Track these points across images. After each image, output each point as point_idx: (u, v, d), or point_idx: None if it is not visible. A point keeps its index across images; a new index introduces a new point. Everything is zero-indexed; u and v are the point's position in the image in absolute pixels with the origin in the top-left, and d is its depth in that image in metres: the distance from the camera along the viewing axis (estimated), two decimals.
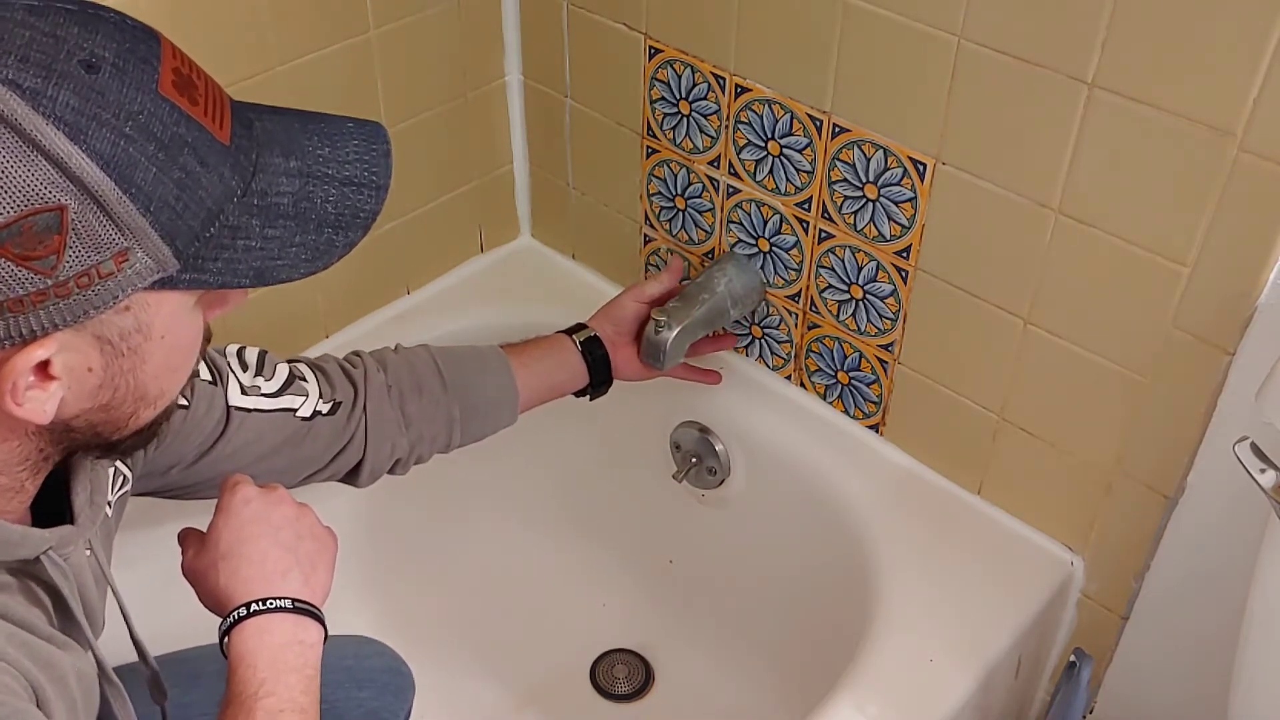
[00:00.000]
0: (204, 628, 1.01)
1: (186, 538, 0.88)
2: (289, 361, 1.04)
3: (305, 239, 0.67)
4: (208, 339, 0.74)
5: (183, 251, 0.62)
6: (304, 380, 1.03)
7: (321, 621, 0.83)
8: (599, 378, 1.26)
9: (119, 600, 0.83)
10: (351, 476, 1.10)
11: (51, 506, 0.74)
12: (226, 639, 0.80)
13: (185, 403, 0.89)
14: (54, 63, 0.57)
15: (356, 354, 1.10)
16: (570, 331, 1.26)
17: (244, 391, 0.99)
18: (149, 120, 0.59)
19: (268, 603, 0.81)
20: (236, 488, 0.87)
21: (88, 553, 0.79)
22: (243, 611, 0.80)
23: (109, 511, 0.83)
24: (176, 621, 1.10)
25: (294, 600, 0.82)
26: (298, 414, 1.01)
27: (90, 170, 0.57)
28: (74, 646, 0.75)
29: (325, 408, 1.03)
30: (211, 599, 0.84)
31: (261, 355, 1.02)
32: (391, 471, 1.11)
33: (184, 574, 0.86)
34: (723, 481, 1.47)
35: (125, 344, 0.63)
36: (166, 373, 0.68)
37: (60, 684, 0.71)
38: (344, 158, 0.69)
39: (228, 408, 0.97)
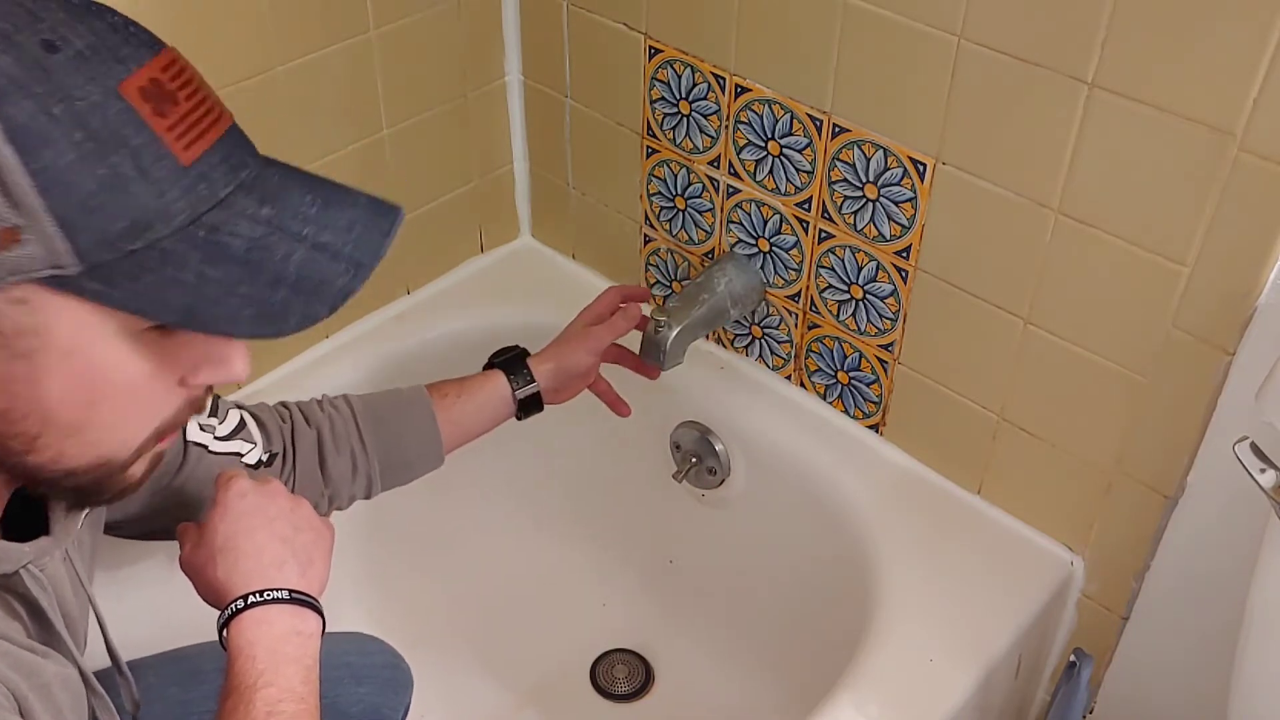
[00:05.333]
0: (185, 632, 1.02)
1: (184, 532, 0.88)
2: (236, 406, 1.03)
3: (254, 292, 0.61)
4: (196, 409, 0.69)
5: (85, 254, 0.57)
6: (249, 428, 1.01)
7: (319, 612, 0.83)
8: (525, 415, 1.20)
9: (95, 608, 0.83)
10: None
11: (29, 518, 0.73)
12: (225, 631, 0.80)
13: (138, 474, 0.72)
14: (15, 33, 0.56)
15: (285, 405, 1.08)
16: (510, 368, 1.18)
17: (201, 428, 0.97)
18: (89, 110, 0.57)
19: (265, 594, 0.81)
20: (231, 482, 0.86)
21: (66, 562, 0.78)
22: (240, 604, 0.80)
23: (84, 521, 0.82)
24: (160, 626, 1.11)
25: (291, 591, 0.82)
26: (244, 459, 0.99)
27: None
28: (55, 656, 0.74)
29: (265, 457, 1.01)
30: (210, 592, 0.84)
31: (215, 397, 1.00)
32: None
33: (182, 568, 0.86)
34: (723, 481, 1.47)
35: (20, 343, 0.59)
36: (84, 405, 0.62)
37: (43, 691, 0.70)
38: (331, 223, 0.64)
39: (185, 441, 0.96)
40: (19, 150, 0.55)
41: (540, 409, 1.19)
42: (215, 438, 0.98)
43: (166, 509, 0.96)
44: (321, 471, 1.05)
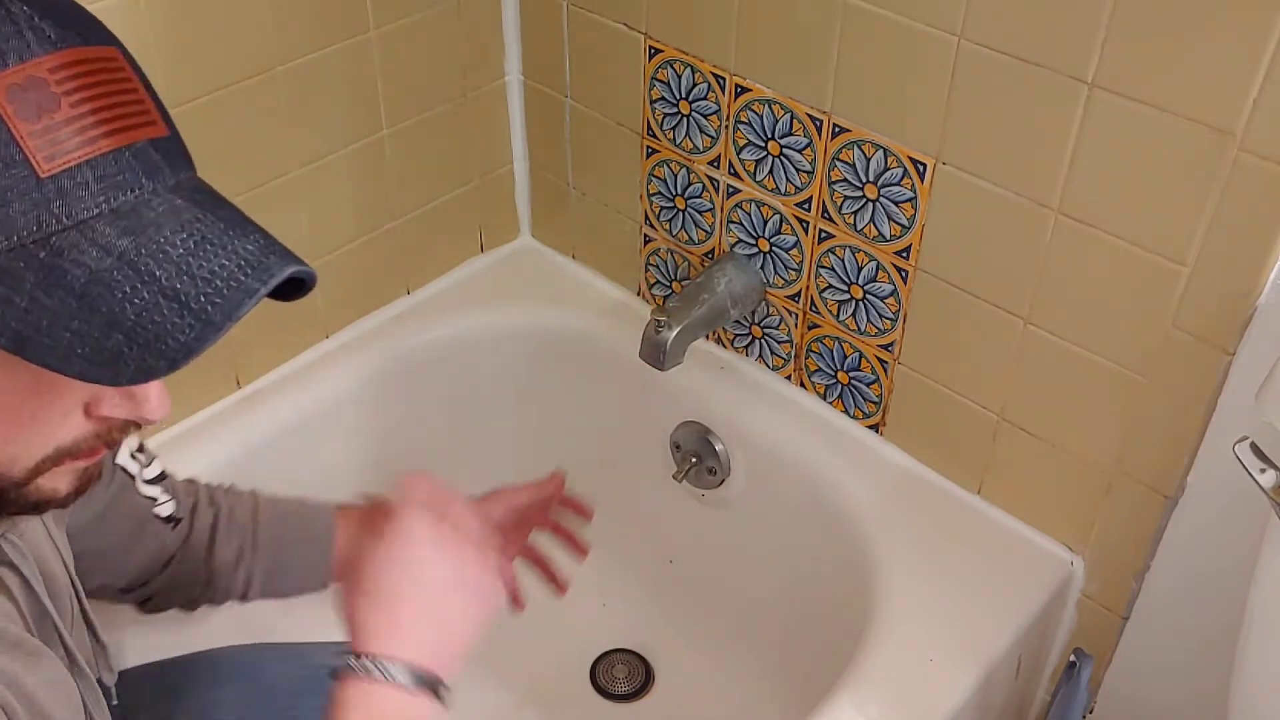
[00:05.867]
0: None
1: (354, 553, 0.85)
2: (159, 459, 1.00)
3: (86, 330, 0.54)
4: (108, 443, 0.65)
5: None
6: (170, 482, 0.99)
7: (440, 696, 0.78)
8: None
9: (70, 573, 0.81)
10: (139, 599, 1.03)
11: None
12: (335, 671, 0.78)
13: (60, 490, 0.68)
14: None
15: (192, 481, 1.05)
16: None
17: (132, 456, 0.94)
18: None
19: (386, 670, 0.76)
20: (404, 517, 0.81)
21: (47, 538, 0.78)
22: (358, 666, 0.77)
23: None
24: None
25: (414, 674, 0.77)
26: (156, 508, 0.96)
27: None
28: (45, 654, 0.73)
29: (177, 515, 0.99)
30: (344, 620, 0.81)
31: (141, 442, 0.98)
32: (158, 609, 1.04)
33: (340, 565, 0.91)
34: (723, 481, 1.47)
35: None
36: None
37: (28, 701, 0.68)
38: (193, 269, 0.55)
39: (115, 465, 0.94)
40: None
41: None
42: (143, 480, 0.96)
43: (87, 531, 0.92)
44: (207, 554, 1.01)
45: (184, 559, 1.00)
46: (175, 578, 1.00)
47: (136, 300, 0.55)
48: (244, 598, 1.04)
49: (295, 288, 0.60)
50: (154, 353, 0.55)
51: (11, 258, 0.54)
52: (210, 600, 0.96)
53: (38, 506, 0.65)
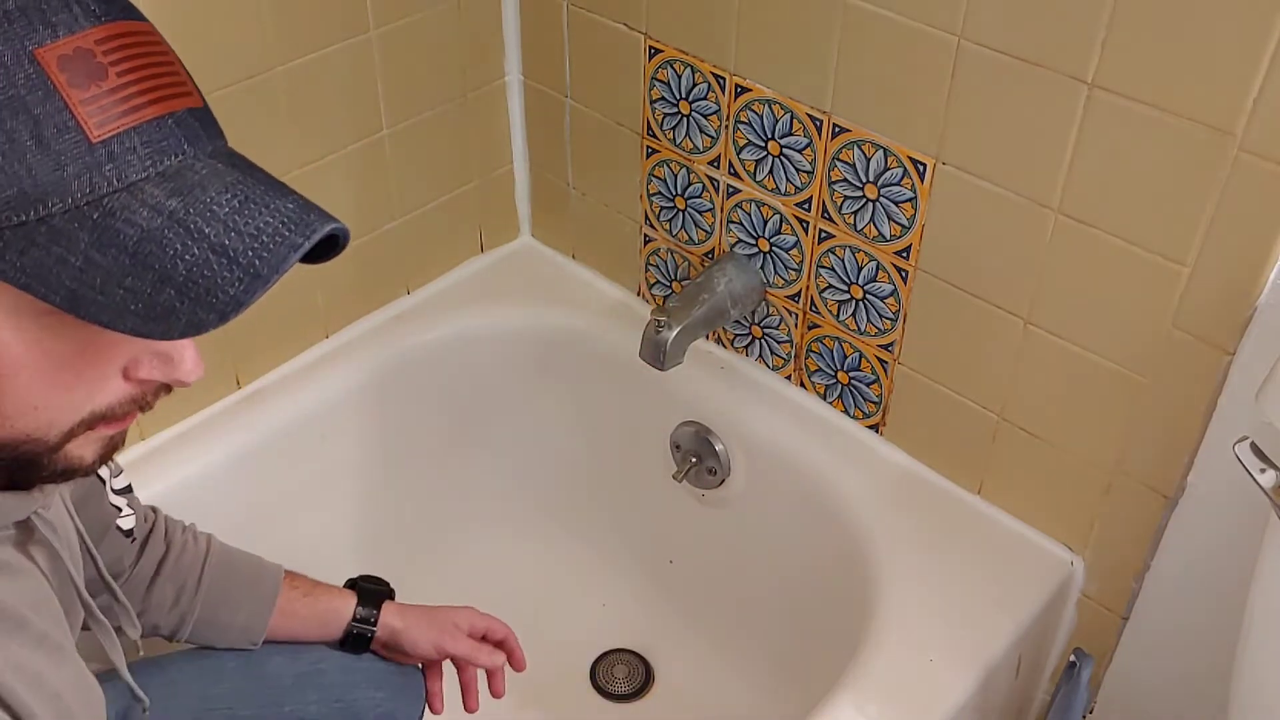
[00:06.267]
0: None
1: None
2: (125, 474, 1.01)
3: (139, 287, 0.57)
4: (142, 406, 0.67)
5: None
6: (134, 497, 1.00)
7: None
8: (345, 646, 1.13)
9: (84, 539, 0.84)
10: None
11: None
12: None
13: (87, 458, 0.70)
14: None
15: (155, 510, 1.06)
16: (365, 601, 1.11)
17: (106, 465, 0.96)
18: None
19: None
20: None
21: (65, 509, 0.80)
22: None
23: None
24: None
25: None
26: (120, 519, 0.97)
27: None
28: (67, 649, 0.74)
29: (135, 531, 1.00)
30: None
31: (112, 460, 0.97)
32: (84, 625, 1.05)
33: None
34: (723, 481, 1.47)
35: None
36: None
37: (53, 701, 0.70)
38: (240, 226, 0.58)
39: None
40: None
41: (366, 649, 1.12)
42: (111, 488, 0.97)
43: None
44: (148, 587, 1.03)
45: (126, 584, 1.01)
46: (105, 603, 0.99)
47: (187, 256, 0.57)
48: (171, 638, 1.06)
49: (328, 248, 0.63)
50: (205, 306, 0.57)
51: (67, 219, 0.56)
52: (138, 632, 0.97)
53: (65, 474, 0.67)
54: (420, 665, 1.17)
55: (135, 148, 0.58)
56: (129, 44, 0.59)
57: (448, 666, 1.16)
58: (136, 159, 0.58)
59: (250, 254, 0.58)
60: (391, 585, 1.15)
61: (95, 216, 0.57)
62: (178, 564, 1.04)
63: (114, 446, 0.70)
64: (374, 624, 1.10)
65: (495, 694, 1.19)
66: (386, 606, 1.11)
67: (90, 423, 0.65)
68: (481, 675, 1.18)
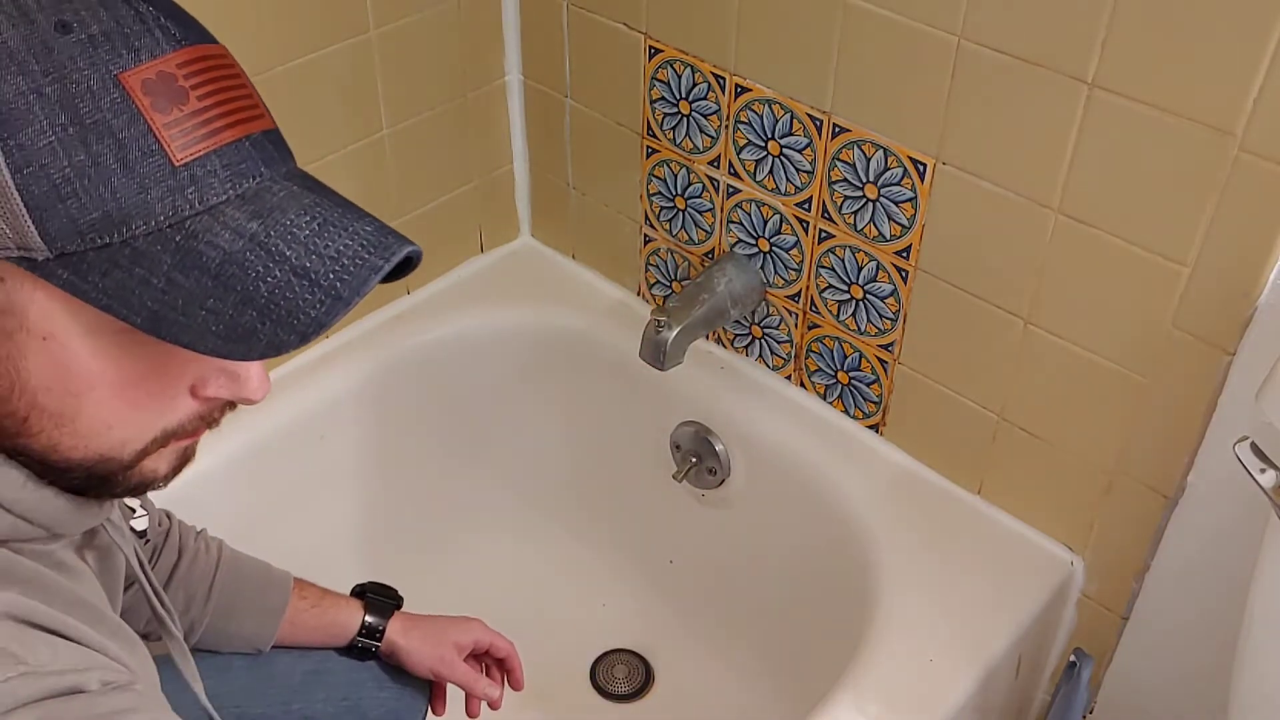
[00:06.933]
0: None
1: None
2: None
3: (221, 309, 0.58)
4: (209, 423, 0.68)
5: (53, 240, 0.56)
6: (147, 501, 1.00)
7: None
8: (349, 654, 1.13)
9: (137, 548, 0.85)
10: None
11: None
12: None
13: (161, 471, 0.71)
14: (37, 10, 0.56)
15: (169, 515, 1.06)
16: (374, 611, 1.12)
17: None
18: (80, 94, 0.56)
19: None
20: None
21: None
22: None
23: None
24: None
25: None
26: (133, 520, 0.96)
27: None
28: (136, 640, 0.75)
29: (147, 533, 1.00)
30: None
31: None
32: None
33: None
34: (723, 481, 1.47)
35: (1, 321, 0.59)
36: (66, 394, 0.61)
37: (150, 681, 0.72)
38: (320, 249, 0.59)
39: None
40: None
41: (371, 658, 1.12)
42: None
43: None
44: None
45: (138, 590, 1.01)
46: (125, 604, 1.00)
47: (269, 279, 0.58)
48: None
49: (403, 267, 0.64)
50: (286, 327, 0.58)
51: (149, 241, 0.57)
52: (180, 636, 0.96)
53: (139, 488, 0.68)
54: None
55: (216, 170, 0.59)
56: (207, 67, 0.61)
57: None
58: (217, 181, 0.59)
59: (331, 276, 0.59)
60: (400, 593, 1.16)
61: (178, 239, 0.57)
62: (190, 572, 1.04)
63: (187, 458, 0.70)
64: (379, 638, 1.11)
65: (492, 708, 1.19)
66: (393, 622, 1.12)
67: (162, 440, 0.66)
68: None
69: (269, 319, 0.58)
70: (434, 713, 1.17)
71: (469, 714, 1.18)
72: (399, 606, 1.14)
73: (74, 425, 0.63)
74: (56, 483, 0.67)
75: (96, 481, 0.66)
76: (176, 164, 0.57)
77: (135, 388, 0.63)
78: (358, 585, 1.15)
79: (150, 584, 0.82)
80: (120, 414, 0.64)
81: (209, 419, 0.68)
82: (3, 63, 0.54)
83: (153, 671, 0.77)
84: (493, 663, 1.19)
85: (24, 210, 0.55)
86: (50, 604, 0.64)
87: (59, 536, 0.69)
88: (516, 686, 1.20)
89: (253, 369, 0.66)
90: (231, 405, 0.69)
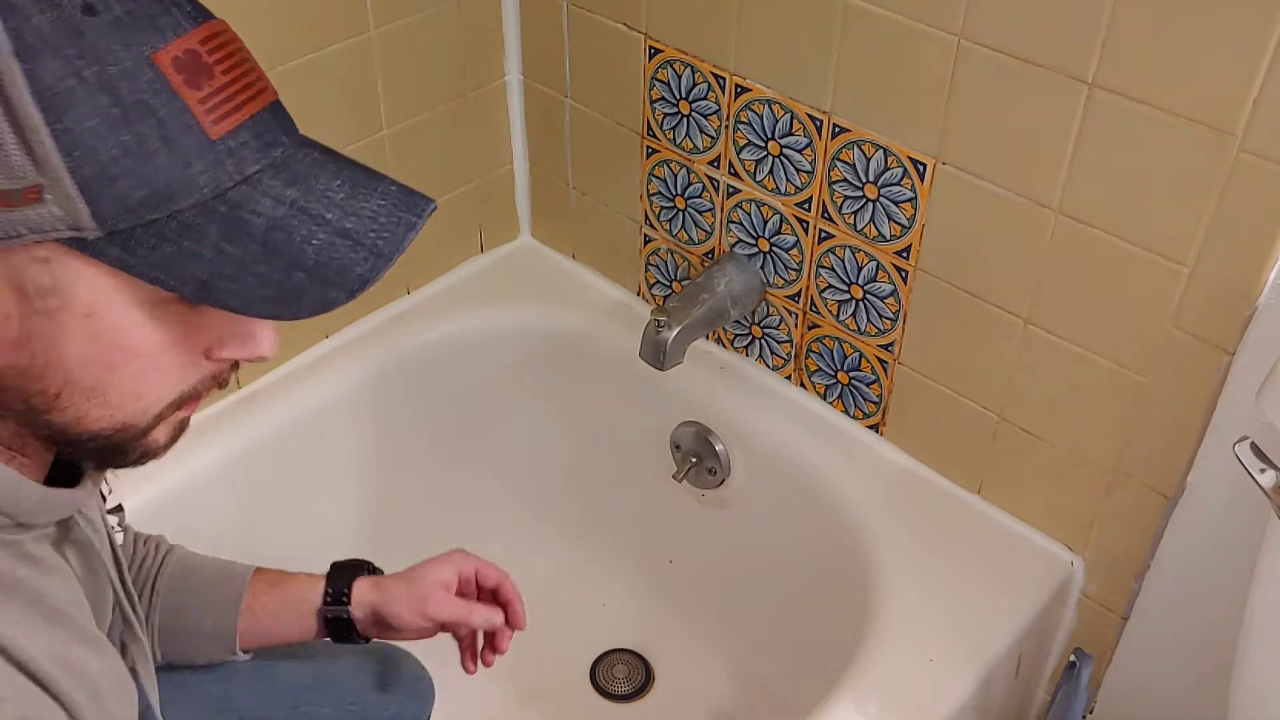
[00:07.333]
0: None
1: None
2: None
3: (269, 273, 0.61)
4: (219, 384, 0.70)
5: (104, 219, 0.57)
6: (123, 517, 0.97)
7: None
8: (339, 639, 1.05)
9: (114, 548, 0.84)
10: None
11: (57, 469, 0.74)
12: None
13: (162, 440, 0.72)
14: None
15: (128, 528, 1.02)
16: (334, 580, 1.04)
17: None
18: (119, 76, 0.57)
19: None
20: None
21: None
22: None
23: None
24: None
25: None
26: (111, 535, 0.94)
27: (20, 92, 0.55)
28: (106, 645, 0.75)
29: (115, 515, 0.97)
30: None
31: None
32: None
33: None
34: (723, 481, 1.47)
35: (42, 302, 0.59)
36: (103, 368, 0.63)
37: (93, 693, 0.70)
38: (357, 210, 0.63)
39: None
40: (44, 110, 0.55)
41: (355, 635, 1.03)
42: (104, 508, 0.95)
43: None
44: None
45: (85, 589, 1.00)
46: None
47: (315, 241, 0.61)
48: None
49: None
50: (335, 286, 0.62)
51: (195, 214, 0.59)
52: (147, 641, 0.92)
53: (142, 458, 0.70)
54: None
55: (248, 141, 0.61)
56: (224, 42, 0.62)
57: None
58: (249, 152, 0.61)
59: (372, 235, 0.63)
60: (378, 566, 1.08)
61: (222, 209, 0.60)
62: (137, 573, 1.01)
63: (182, 429, 0.72)
64: (346, 602, 1.01)
65: (498, 650, 1.08)
66: (359, 583, 1.03)
67: (178, 403, 0.68)
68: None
69: (317, 279, 0.61)
70: (466, 671, 1.09)
71: (466, 669, 1.09)
72: (370, 572, 1.06)
73: (104, 396, 0.64)
74: (72, 455, 0.68)
75: (112, 451, 0.67)
76: (213, 138, 0.60)
77: (163, 355, 0.65)
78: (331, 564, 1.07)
79: (124, 584, 0.81)
80: (147, 381, 0.65)
81: (220, 379, 0.70)
82: (37, 47, 0.55)
83: (125, 680, 0.76)
84: (486, 601, 1.08)
85: (77, 193, 0.57)
86: (2, 605, 0.65)
87: (27, 526, 0.69)
88: (516, 623, 1.08)
89: (263, 327, 0.69)
90: (236, 365, 0.71)
